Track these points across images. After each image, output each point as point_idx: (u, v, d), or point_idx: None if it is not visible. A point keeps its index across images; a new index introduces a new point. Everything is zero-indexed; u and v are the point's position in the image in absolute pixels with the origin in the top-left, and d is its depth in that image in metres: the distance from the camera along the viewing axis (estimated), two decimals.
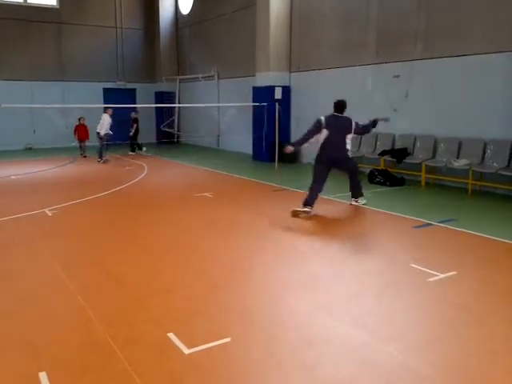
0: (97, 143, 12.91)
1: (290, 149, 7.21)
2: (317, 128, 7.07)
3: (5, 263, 4.80)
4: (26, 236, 5.79)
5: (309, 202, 6.88)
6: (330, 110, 12.01)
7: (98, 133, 12.71)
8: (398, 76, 9.85)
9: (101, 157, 12.73)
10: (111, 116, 12.94)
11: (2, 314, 3.62)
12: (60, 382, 2.69)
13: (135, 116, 14.60)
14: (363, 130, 7.35)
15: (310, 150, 12.17)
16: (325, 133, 7.04)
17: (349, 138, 7.17)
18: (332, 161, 7.16)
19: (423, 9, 9.27)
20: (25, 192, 8.84)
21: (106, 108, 13.29)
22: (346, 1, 11.02)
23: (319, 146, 7.12)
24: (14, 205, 7.54)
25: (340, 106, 7.24)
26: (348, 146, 7.19)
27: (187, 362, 2.89)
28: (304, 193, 8.31)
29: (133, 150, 14.74)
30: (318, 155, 7.16)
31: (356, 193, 7.51)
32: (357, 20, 10.74)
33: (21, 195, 8.54)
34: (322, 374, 2.78)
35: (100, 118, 12.87)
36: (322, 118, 7.11)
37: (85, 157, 13.72)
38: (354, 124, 7.12)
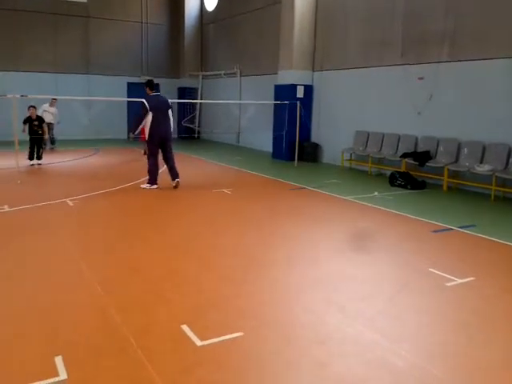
0: None
1: (132, 135, 8.24)
2: (145, 111, 7.82)
3: (25, 250, 4.91)
4: (47, 224, 5.91)
5: (153, 181, 8.12)
6: (352, 110, 11.90)
7: None
8: (422, 78, 9.72)
9: None
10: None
11: (20, 298, 3.71)
12: (75, 367, 2.74)
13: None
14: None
15: (329, 150, 12.14)
16: (150, 115, 7.80)
17: (170, 114, 8.12)
18: (161, 140, 8.01)
19: (451, 10, 9.11)
20: (47, 182, 9.01)
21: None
22: (371, 1, 10.91)
23: (149, 127, 7.89)
24: (35, 194, 7.70)
25: (153, 84, 8.17)
26: (171, 123, 8.17)
27: (199, 354, 2.91)
28: (321, 193, 8.30)
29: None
30: (150, 136, 7.96)
31: (176, 174, 8.19)
32: (382, 20, 10.63)
33: (43, 185, 8.71)
34: (333, 373, 2.77)
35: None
36: (145, 102, 7.85)
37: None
38: (169, 101, 8.17)
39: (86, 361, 2.82)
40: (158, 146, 8.08)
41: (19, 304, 3.60)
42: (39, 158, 10.81)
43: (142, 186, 8.27)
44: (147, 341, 3.05)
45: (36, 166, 10.53)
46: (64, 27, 17.03)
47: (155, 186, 8.16)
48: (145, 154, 13.37)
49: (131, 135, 8.23)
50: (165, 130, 8.03)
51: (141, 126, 8.02)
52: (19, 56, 16.32)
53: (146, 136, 8.04)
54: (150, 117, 7.81)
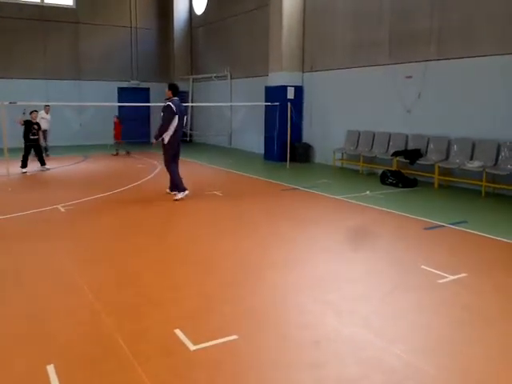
0: None
1: (154, 142, 7.67)
2: (173, 116, 7.49)
3: (17, 257, 4.87)
4: (39, 231, 5.87)
5: (182, 187, 7.63)
6: (343, 110, 11.91)
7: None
8: (410, 77, 9.77)
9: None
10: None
11: (12, 306, 3.67)
12: (66, 375, 2.71)
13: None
14: None
15: (321, 150, 12.17)
16: (176, 119, 7.51)
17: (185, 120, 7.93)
18: (179, 144, 7.78)
19: (437, 9, 9.17)
20: (38, 189, 8.95)
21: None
22: (359, 1, 10.96)
23: (172, 131, 7.52)
24: (27, 201, 7.64)
25: (178, 89, 7.80)
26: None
27: (192, 359, 2.90)
28: (313, 193, 8.31)
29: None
30: (170, 141, 7.56)
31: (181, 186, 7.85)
32: (370, 20, 10.68)
33: (34, 192, 8.65)
34: (328, 373, 2.77)
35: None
36: (173, 105, 7.52)
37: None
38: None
39: (78, 368, 2.79)
40: (176, 151, 7.78)
41: (11, 311, 3.57)
42: (43, 163, 11.00)
43: (175, 198, 7.62)
44: (140, 346, 3.03)
45: (28, 173, 10.46)
46: (53, 33, 16.95)
47: (187, 192, 7.68)
48: (116, 154, 13.46)
49: (154, 142, 7.69)
50: (182, 135, 7.93)
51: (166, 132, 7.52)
52: (9, 63, 16.21)
53: (166, 140, 7.51)
54: (175, 121, 7.50)
